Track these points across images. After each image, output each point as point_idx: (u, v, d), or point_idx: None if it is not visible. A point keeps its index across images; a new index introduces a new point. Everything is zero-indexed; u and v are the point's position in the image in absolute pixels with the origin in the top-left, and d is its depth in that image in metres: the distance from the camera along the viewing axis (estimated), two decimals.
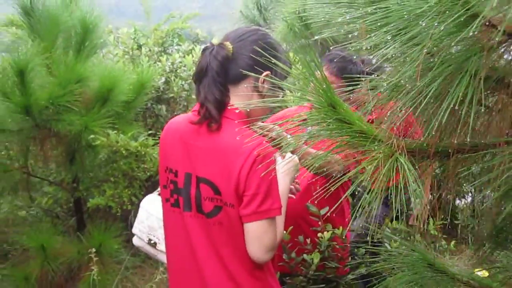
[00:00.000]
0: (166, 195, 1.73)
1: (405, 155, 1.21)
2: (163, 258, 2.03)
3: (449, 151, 1.24)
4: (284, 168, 1.76)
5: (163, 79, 4.64)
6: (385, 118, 1.24)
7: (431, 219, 2.67)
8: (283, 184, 1.71)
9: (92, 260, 3.50)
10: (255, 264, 1.62)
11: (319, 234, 2.03)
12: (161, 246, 2.06)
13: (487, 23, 0.99)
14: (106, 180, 3.84)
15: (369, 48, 1.07)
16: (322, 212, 2.07)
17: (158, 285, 3.97)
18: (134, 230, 2.20)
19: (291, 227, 2.10)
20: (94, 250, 3.44)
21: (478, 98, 0.95)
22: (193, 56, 4.69)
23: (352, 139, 1.27)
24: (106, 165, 3.84)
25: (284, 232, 2.01)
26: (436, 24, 0.90)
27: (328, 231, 2.04)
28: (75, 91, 3.54)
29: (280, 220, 1.64)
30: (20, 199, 4.53)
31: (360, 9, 1.09)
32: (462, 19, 0.94)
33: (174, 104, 4.70)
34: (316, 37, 3.51)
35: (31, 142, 3.84)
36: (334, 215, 2.09)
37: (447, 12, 0.94)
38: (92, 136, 3.46)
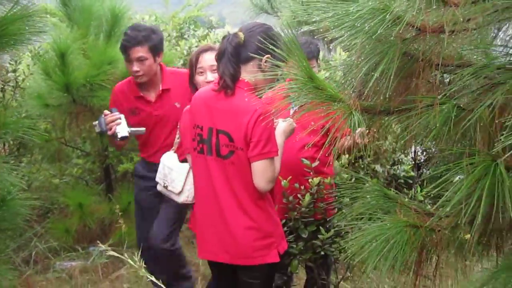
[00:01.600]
0: (194, 145, 2.34)
1: (359, 111, 1.77)
2: (173, 197, 2.78)
3: (392, 110, 1.80)
4: (283, 127, 2.35)
5: (181, 62, 5.20)
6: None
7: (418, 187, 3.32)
8: (280, 138, 2.31)
9: (120, 217, 4.12)
10: (259, 195, 2.23)
11: (310, 179, 2.61)
12: (170, 187, 2.80)
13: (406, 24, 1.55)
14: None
15: (330, 38, 1.64)
16: (314, 164, 2.65)
17: None
18: (156, 179, 2.93)
19: (290, 177, 2.66)
20: (118, 208, 4.00)
21: (394, 71, 1.52)
22: (207, 41, 5.23)
23: (325, 100, 1.83)
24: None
25: (284, 180, 2.59)
26: (368, 25, 1.46)
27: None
28: (107, 71, 4.11)
29: (277, 160, 2.25)
30: (53, 169, 5.10)
31: (325, 12, 1.65)
32: (388, 22, 1.50)
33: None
34: (303, 29, 4.07)
35: (68, 116, 4.41)
36: (324, 168, 2.70)
37: (378, 17, 1.50)
38: None
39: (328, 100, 1.83)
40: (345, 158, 3.61)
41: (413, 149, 4.39)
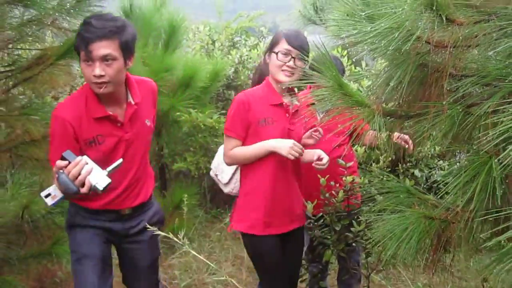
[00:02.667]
0: None
1: (381, 115, 2.03)
2: (221, 186, 3.04)
3: (410, 114, 2.05)
4: (277, 143, 2.61)
5: (232, 69, 5.55)
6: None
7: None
8: (268, 143, 2.62)
9: (173, 213, 4.50)
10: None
11: (343, 178, 2.87)
12: (220, 177, 3.03)
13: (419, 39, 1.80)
14: (187, 150, 4.81)
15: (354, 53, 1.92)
16: (348, 164, 2.91)
17: (222, 231, 4.92)
18: (211, 169, 3.12)
19: (328, 175, 2.92)
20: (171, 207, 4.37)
21: (410, 80, 1.78)
22: (257, 50, 5.56)
23: (351, 105, 2.10)
24: (187, 138, 4.81)
25: (322, 178, 2.86)
26: (384, 42, 1.73)
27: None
28: (164, 78, 4.50)
29: (238, 150, 2.68)
30: None
31: (352, 30, 1.92)
32: (403, 39, 1.76)
33: (241, 90, 5.61)
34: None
35: None
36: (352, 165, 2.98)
37: (393, 34, 1.76)
38: (177, 113, 4.42)
39: (355, 105, 2.10)
40: (382, 161, 3.88)
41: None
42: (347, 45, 2.21)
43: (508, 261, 1.39)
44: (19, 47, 2.82)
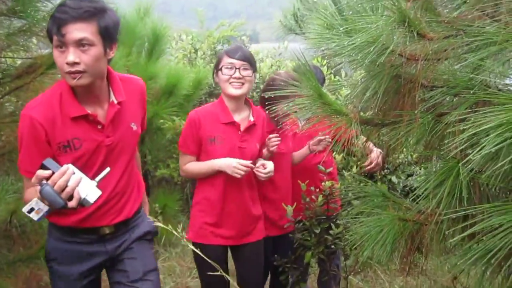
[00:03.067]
0: None
1: (358, 123, 2.15)
2: None
3: (386, 122, 2.18)
4: (224, 162, 2.75)
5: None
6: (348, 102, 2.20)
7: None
8: (215, 162, 2.77)
9: (157, 217, 4.56)
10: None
11: (322, 183, 2.99)
12: None
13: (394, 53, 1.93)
14: (170, 157, 4.89)
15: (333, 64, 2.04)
16: (328, 170, 3.03)
17: None
18: None
19: (307, 181, 3.04)
20: (157, 206, 4.45)
21: (385, 90, 1.91)
22: None
23: (330, 114, 2.22)
24: (170, 145, 4.89)
25: (303, 184, 2.98)
26: (361, 55, 1.86)
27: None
28: (148, 86, 4.55)
29: (191, 165, 2.85)
30: None
31: (331, 43, 2.05)
32: (379, 53, 1.89)
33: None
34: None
35: None
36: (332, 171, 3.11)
37: (371, 47, 1.89)
38: (161, 120, 4.50)
39: (334, 113, 2.22)
40: (358, 167, 4.02)
41: None
42: (326, 56, 2.35)
43: (471, 255, 1.51)
44: (8, 56, 2.89)
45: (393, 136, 2.14)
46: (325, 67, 4.92)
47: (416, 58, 1.92)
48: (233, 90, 2.76)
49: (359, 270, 3.26)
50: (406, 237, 2.24)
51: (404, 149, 3.05)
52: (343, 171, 4.25)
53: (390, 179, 4.73)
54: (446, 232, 2.02)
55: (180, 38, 6.06)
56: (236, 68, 2.74)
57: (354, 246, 2.32)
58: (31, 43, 2.91)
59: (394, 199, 2.42)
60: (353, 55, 1.90)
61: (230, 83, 2.75)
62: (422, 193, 1.88)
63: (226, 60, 2.77)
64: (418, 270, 2.38)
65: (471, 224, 1.52)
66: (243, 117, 2.87)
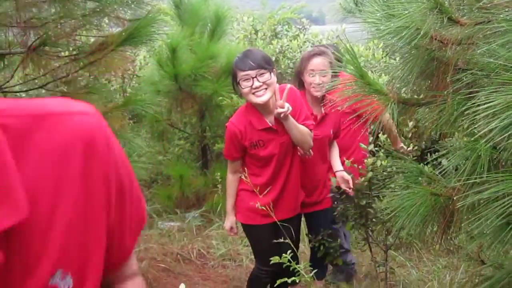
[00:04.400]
0: None
1: (395, 103, 2.31)
2: None
3: (421, 102, 2.33)
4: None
5: (273, 58, 5.87)
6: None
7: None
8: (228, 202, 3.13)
9: (213, 190, 4.88)
10: None
11: (365, 160, 3.16)
12: None
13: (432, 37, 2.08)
14: None
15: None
16: (369, 147, 3.20)
17: None
18: None
19: (353, 158, 3.23)
20: (219, 175, 4.73)
21: (421, 72, 2.06)
22: (297, 41, 5.85)
23: (371, 93, 2.39)
24: (228, 121, 5.15)
25: (347, 160, 3.16)
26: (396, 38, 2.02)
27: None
28: (209, 65, 4.86)
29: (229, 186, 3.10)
30: (158, 147, 5.92)
31: (374, 26, 2.21)
32: (413, 37, 2.04)
33: (281, 78, 5.92)
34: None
35: (174, 102, 5.20)
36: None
37: (405, 32, 2.04)
38: (220, 98, 4.77)
39: (374, 93, 2.39)
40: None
41: None
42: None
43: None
44: (83, 34, 3.21)
45: (427, 115, 2.29)
46: (380, 50, 5.03)
47: (447, 43, 2.05)
48: (259, 99, 2.75)
49: (398, 245, 3.40)
50: (438, 211, 2.39)
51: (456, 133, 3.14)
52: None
53: (440, 162, 4.79)
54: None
55: (242, 19, 6.28)
56: (252, 78, 2.71)
57: (389, 217, 2.49)
58: (103, 23, 3.21)
59: (430, 176, 2.57)
60: (390, 38, 2.06)
61: (252, 93, 2.74)
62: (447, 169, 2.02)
63: (240, 74, 2.74)
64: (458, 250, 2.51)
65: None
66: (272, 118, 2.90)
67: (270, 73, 2.74)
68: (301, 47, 5.78)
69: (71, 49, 3.07)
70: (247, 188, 2.97)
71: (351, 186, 3.14)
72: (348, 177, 3.17)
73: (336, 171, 3.27)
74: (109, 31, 3.16)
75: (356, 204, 3.13)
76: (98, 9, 3.00)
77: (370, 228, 3.20)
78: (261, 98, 2.74)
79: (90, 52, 2.85)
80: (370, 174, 3.13)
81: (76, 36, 3.13)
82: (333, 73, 3.01)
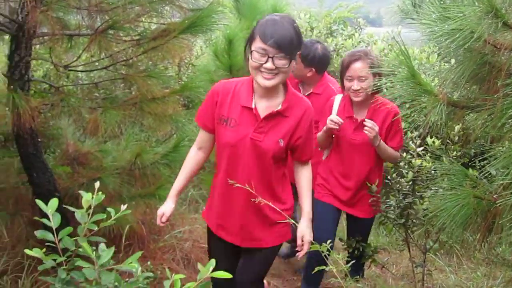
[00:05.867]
0: None
1: (445, 104, 2.35)
2: None
3: (471, 105, 2.36)
4: None
5: None
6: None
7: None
8: None
9: None
10: None
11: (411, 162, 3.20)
12: None
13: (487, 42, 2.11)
14: None
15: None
16: (419, 150, 3.23)
17: None
18: None
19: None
20: None
21: (472, 76, 2.10)
22: (352, 40, 5.88)
23: (421, 93, 2.43)
24: None
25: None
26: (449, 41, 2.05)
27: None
28: None
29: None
30: None
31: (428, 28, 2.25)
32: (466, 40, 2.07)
33: (334, 75, 5.96)
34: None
35: None
36: None
37: (458, 34, 2.08)
38: None
39: (424, 93, 2.43)
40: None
41: None
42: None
43: None
44: (145, 21, 3.37)
45: (475, 119, 2.32)
46: (436, 54, 5.00)
47: (500, 47, 2.08)
48: (263, 81, 2.24)
49: (438, 249, 3.41)
50: (479, 214, 2.42)
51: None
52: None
53: (489, 171, 4.73)
54: None
55: (298, 16, 6.36)
56: (269, 57, 2.18)
57: (429, 217, 2.53)
58: (165, 10, 3.36)
59: (474, 179, 2.59)
60: (443, 40, 2.10)
61: (260, 71, 2.23)
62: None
63: (258, 44, 2.18)
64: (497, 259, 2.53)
65: None
66: (270, 104, 2.38)
67: (289, 61, 2.22)
68: (355, 46, 5.80)
69: (134, 34, 3.23)
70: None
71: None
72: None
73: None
74: (170, 19, 3.29)
75: (397, 204, 3.17)
76: None
77: (410, 229, 3.23)
78: (267, 82, 2.23)
79: (152, 38, 2.99)
80: (410, 174, 3.17)
81: (140, 22, 3.29)
82: (374, 74, 3.01)
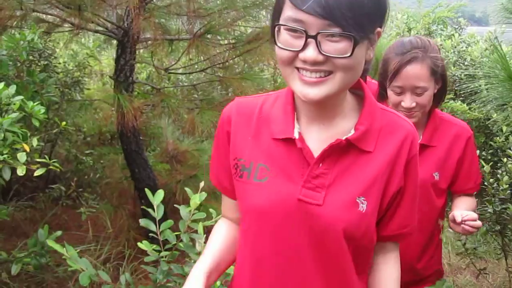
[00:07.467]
0: None
1: None
2: None
3: None
4: None
5: None
6: None
7: None
8: None
9: None
10: None
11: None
12: None
13: None
14: None
15: None
16: None
17: None
18: None
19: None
20: None
21: None
22: (452, 41, 5.67)
23: None
24: None
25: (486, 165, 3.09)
26: None
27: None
28: None
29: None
30: None
31: None
32: None
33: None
34: None
35: None
36: None
37: None
38: None
39: None
40: None
41: None
42: None
43: None
44: (242, 25, 3.50)
45: None
46: None
47: None
48: (303, 90, 1.08)
49: None
50: None
51: None
52: None
53: None
54: None
55: (396, 17, 6.25)
56: (308, 36, 1.03)
57: None
58: (261, 15, 3.47)
59: None
60: None
61: (296, 69, 1.08)
62: None
63: (288, 13, 1.05)
64: None
65: None
66: (331, 131, 1.19)
67: (355, 44, 1.02)
68: (455, 47, 5.61)
69: (230, 38, 3.37)
70: None
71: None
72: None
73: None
74: (265, 24, 3.39)
75: (493, 210, 3.05)
76: (257, 2, 3.25)
77: (507, 237, 3.10)
78: (311, 90, 1.07)
79: (247, 41, 3.11)
80: (506, 178, 3.04)
81: (235, 26, 3.42)
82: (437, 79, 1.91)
